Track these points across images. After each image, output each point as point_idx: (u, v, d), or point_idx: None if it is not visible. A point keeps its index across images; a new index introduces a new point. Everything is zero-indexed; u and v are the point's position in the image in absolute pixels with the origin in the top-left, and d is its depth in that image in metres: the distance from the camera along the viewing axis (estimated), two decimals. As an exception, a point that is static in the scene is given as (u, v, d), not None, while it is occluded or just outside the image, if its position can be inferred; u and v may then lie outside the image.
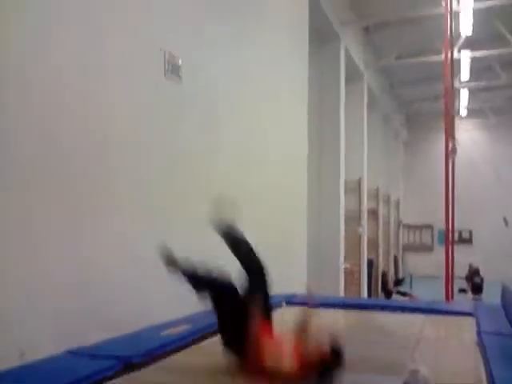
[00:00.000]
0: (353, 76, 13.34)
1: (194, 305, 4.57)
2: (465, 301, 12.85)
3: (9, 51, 3.24)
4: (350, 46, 12.48)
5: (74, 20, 3.78)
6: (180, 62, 4.95)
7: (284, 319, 4.77)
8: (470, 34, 12.91)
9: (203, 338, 3.92)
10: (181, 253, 4.86)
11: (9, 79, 3.25)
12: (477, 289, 15.44)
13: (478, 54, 14.36)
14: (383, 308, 5.33)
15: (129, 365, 3.09)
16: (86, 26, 3.89)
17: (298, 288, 6.66)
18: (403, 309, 5.23)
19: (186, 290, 3.62)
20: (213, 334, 4.02)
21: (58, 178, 3.61)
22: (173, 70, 4.86)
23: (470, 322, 4.50)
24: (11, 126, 3.25)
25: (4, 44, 3.21)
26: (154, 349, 3.39)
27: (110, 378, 2.91)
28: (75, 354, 3.20)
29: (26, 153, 3.34)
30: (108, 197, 4.07)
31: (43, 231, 3.47)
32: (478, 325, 4.24)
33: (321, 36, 11.04)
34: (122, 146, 4.26)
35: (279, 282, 6.51)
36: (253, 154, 6.56)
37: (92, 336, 3.47)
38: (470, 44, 13.91)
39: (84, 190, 3.83)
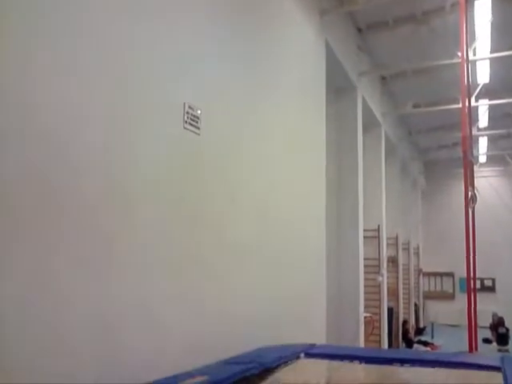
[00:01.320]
0: (370, 124, 13.43)
1: (209, 356, 4.55)
2: (490, 352, 12.44)
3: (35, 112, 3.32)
4: (367, 95, 12.61)
5: (102, 71, 3.87)
6: (199, 112, 5.02)
7: (302, 371, 4.67)
8: (487, 81, 13.02)
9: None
10: (203, 301, 4.87)
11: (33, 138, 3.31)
12: (502, 339, 14.97)
13: (496, 101, 14.43)
14: (405, 361, 5.15)
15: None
16: (112, 77, 3.99)
17: (317, 339, 6.55)
18: (424, 361, 5.04)
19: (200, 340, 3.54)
20: (230, 386, 3.93)
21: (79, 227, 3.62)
22: (192, 120, 4.93)
23: (497, 377, 4.33)
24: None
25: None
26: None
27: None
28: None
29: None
30: (125, 252, 4.06)
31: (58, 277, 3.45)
32: (506, 380, 4.07)
33: (338, 86, 11.19)
34: (142, 198, 4.28)
35: (298, 333, 6.46)
36: (272, 209, 6.55)
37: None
38: (487, 92, 13.99)
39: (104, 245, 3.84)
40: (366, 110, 12.51)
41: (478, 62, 12.45)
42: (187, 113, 4.86)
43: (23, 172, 3.13)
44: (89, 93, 3.72)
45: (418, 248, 21.37)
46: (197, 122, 4.99)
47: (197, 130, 4.99)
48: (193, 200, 4.95)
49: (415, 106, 15.27)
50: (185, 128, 4.82)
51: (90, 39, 3.75)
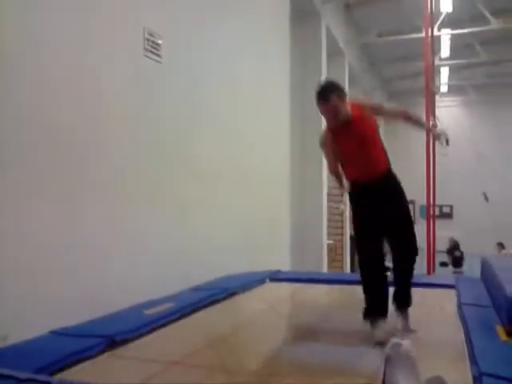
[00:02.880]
0: (334, 53, 13.26)
1: (177, 283, 4.64)
2: (446, 274, 13.06)
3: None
4: (331, 23, 12.40)
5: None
6: (160, 41, 4.88)
7: (268, 294, 4.83)
8: (450, 10, 12.94)
9: (186, 315, 3.93)
10: (172, 234, 4.91)
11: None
12: (457, 262, 15.68)
13: (459, 31, 14.38)
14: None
15: (113, 343, 3.10)
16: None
17: (282, 266, 6.73)
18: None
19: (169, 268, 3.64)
20: (195, 311, 4.06)
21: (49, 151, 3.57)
22: (152, 48, 4.79)
23: (451, 295, 4.58)
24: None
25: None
26: (138, 327, 3.40)
27: (95, 357, 2.91)
28: (59, 334, 3.19)
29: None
30: (95, 174, 4.04)
31: (35, 208, 3.43)
32: (459, 297, 4.31)
33: (302, 14, 10.94)
34: (110, 124, 4.23)
35: (263, 259, 6.62)
36: (236, 134, 6.52)
37: (77, 316, 3.46)
38: (450, 22, 13.92)
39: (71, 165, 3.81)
40: (330, 38, 12.33)
41: (441, -10, 12.33)
42: (147, 39, 4.72)
43: None
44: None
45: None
46: (158, 50, 4.87)
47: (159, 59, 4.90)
48: (161, 126, 4.93)
49: (379, 35, 15.12)
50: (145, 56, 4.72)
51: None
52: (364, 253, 3.54)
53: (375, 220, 3.43)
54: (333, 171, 3.68)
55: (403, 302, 3.65)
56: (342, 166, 3.61)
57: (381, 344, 3.03)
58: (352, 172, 3.54)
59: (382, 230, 3.48)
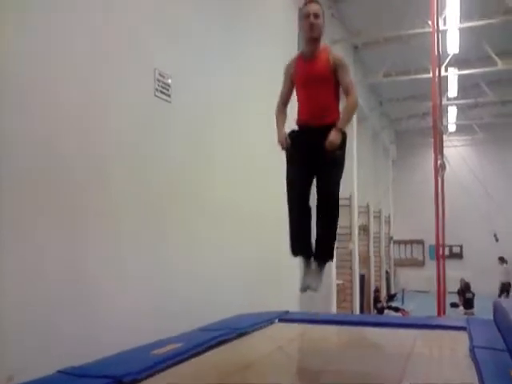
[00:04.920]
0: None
1: (184, 323, 4.60)
2: (457, 315, 12.85)
3: (9, 63, 3.26)
4: (339, 63, 12.57)
5: (74, 31, 3.82)
6: (170, 80, 4.98)
7: (277, 335, 4.77)
8: (456, 51, 13.14)
9: (194, 356, 3.88)
10: (175, 272, 4.91)
11: (9, 91, 3.26)
12: (468, 303, 15.46)
13: (465, 72, 14.58)
14: (375, 324, 5.31)
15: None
16: (86, 38, 3.94)
17: (290, 307, 6.66)
18: (395, 325, 5.20)
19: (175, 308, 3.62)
20: (203, 352, 4.01)
21: (54, 193, 3.60)
22: (163, 88, 4.89)
23: (462, 337, 4.50)
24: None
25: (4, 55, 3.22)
26: (145, 368, 3.36)
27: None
28: (66, 373, 3.15)
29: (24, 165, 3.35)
30: (98, 211, 4.06)
31: (38, 247, 3.45)
32: (471, 339, 4.23)
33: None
34: (118, 161, 4.28)
35: (272, 301, 6.56)
36: (244, 173, 6.57)
37: (83, 357, 3.43)
38: (457, 63, 14.13)
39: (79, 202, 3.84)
40: (338, 79, 12.50)
41: (448, 32, 12.52)
42: (158, 80, 4.82)
43: None
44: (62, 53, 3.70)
45: (388, 216, 21.72)
46: (168, 90, 4.96)
47: (168, 98, 4.98)
48: (168, 166, 4.98)
49: (386, 75, 15.35)
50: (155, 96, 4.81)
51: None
52: (291, 188, 3.68)
53: (307, 162, 3.54)
54: (281, 104, 3.79)
55: (320, 253, 3.70)
56: (298, 102, 3.71)
57: (304, 290, 3.39)
58: (303, 112, 3.63)
59: (311, 173, 3.58)
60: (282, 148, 3.65)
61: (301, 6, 3.63)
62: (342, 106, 3.68)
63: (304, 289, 3.53)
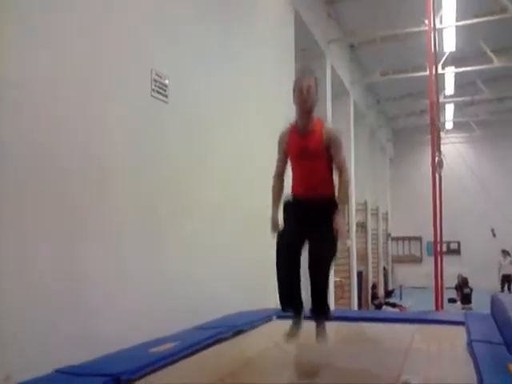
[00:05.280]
0: (339, 93, 13.45)
1: (182, 323, 4.61)
2: (455, 311, 12.89)
3: (5, 64, 3.26)
4: (336, 63, 12.62)
5: (73, 30, 3.83)
6: (167, 81, 4.97)
7: (275, 332, 4.77)
8: (453, 49, 13.17)
9: (192, 353, 3.89)
10: (174, 272, 4.91)
11: (5, 92, 3.26)
12: (466, 299, 15.51)
13: (462, 69, 14.62)
14: (373, 320, 5.32)
15: (118, 382, 3.06)
16: (85, 38, 3.94)
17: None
18: (393, 320, 5.22)
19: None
20: (201, 350, 4.01)
21: (52, 194, 3.60)
22: (159, 89, 4.88)
23: (460, 331, 4.51)
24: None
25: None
26: (143, 366, 3.36)
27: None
28: (64, 373, 3.15)
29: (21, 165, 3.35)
30: (96, 213, 4.06)
31: (30, 246, 3.44)
32: (469, 334, 4.24)
33: (307, 54, 11.15)
34: (115, 160, 4.28)
35: (269, 298, 6.55)
36: (239, 168, 6.57)
37: (81, 356, 3.43)
38: (453, 61, 14.17)
39: (77, 204, 3.84)
40: (335, 78, 12.53)
41: (444, 30, 12.55)
42: (155, 80, 4.81)
43: None
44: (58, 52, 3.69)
45: (386, 213, 21.76)
46: (165, 90, 4.96)
47: (165, 99, 4.98)
48: (165, 166, 4.98)
49: (383, 73, 15.36)
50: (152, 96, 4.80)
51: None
52: (284, 251, 3.68)
53: (301, 228, 3.56)
54: (277, 177, 3.82)
55: (318, 313, 3.74)
56: (292, 173, 3.74)
57: (288, 339, 3.53)
58: (298, 184, 3.66)
59: (304, 238, 3.59)
60: (274, 230, 3.69)
61: (295, 76, 3.69)
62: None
63: (289, 337, 3.65)
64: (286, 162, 3.77)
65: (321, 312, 3.75)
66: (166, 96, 4.98)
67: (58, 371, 3.17)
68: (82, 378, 3.03)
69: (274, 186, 3.82)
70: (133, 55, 4.57)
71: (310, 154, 3.56)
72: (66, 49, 3.78)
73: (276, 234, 3.70)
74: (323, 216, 3.50)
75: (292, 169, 3.73)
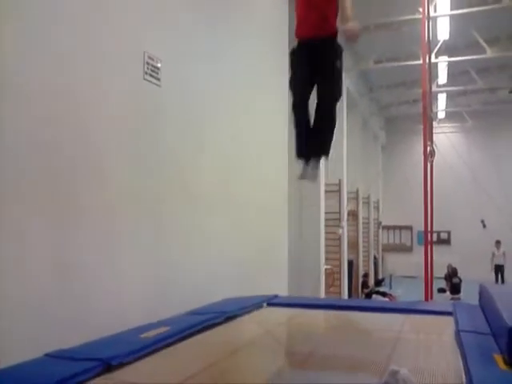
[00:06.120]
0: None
1: (173, 309, 4.62)
2: (444, 300, 13.01)
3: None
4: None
5: (63, 15, 3.78)
6: (159, 64, 4.94)
7: (265, 319, 4.80)
8: (447, 38, 13.15)
9: (183, 339, 3.90)
10: (168, 254, 4.91)
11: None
12: (455, 289, 15.66)
13: (455, 59, 14.60)
14: (363, 309, 5.36)
15: (109, 366, 3.06)
16: (74, 25, 3.89)
17: (279, 291, 6.70)
18: (383, 309, 5.25)
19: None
20: (191, 335, 4.03)
21: (42, 176, 3.58)
22: (152, 72, 4.84)
23: (448, 321, 4.55)
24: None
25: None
26: (134, 351, 3.37)
27: (90, 380, 2.88)
28: (54, 357, 3.15)
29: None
30: (90, 199, 4.05)
31: (22, 231, 3.43)
32: (457, 324, 4.28)
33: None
34: (105, 148, 4.26)
35: (261, 284, 6.60)
36: (234, 154, 6.57)
37: (71, 340, 3.43)
38: (447, 50, 14.15)
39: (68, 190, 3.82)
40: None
41: (438, 19, 12.52)
42: (147, 63, 4.77)
43: None
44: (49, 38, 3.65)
45: (377, 202, 21.82)
46: (157, 74, 4.92)
47: (158, 82, 4.94)
48: (159, 151, 4.96)
49: (376, 61, 15.32)
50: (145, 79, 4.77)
51: None
52: (294, 95, 3.90)
53: (308, 71, 3.78)
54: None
55: (316, 149, 3.97)
56: (296, 13, 3.91)
57: (301, 178, 3.92)
58: (302, 21, 3.80)
59: (312, 79, 3.82)
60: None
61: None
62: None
63: (301, 177, 4.00)
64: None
65: (321, 149, 4.00)
66: (159, 79, 4.94)
67: (48, 355, 3.17)
68: (71, 362, 3.02)
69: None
70: (125, 38, 4.52)
71: None
72: (56, 35, 3.73)
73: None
74: (327, 59, 3.72)
75: (297, 8, 3.85)
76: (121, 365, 3.15)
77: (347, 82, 14.84)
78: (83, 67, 4.00)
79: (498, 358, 3.20)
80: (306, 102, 3.90)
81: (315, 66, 3.73)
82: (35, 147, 3.52)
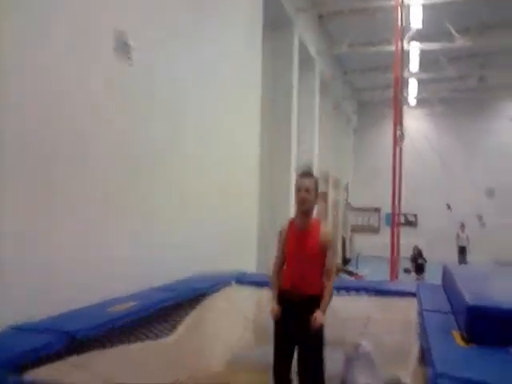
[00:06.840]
0: (306, 62, 13.41)
1: (140, 283, 4.62)
2: (408, 280, 13.30)
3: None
4: (304, 32, 12.55)
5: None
6: (132, 43, 4.83)
7: (233, 296, 4.85)
8: (420, 27, 13.29)
9: (149, 314, 3.92)
10: (130, 235, 4.89)
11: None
12: (420, 269, 16.08)
13: (427, 46, 14.76)
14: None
15: (74, 340, 3.07)
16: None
17: (248, 266, 6.77)
18: (349, 288, 5.32)
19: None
20: (159, 311, 4.05)
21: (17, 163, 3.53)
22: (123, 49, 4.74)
23: (412, 301, 4.67)
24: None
25: None
26: (99, 325, 3.37)
27: (55, 353, 2.88)
28: (19, 329, 3.14)
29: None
30: (67, 184, 4.01)
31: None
32: (420, 303, 4.40)
33: (275, 22, 11.05)
34: (79, 133, 4.19)
35: (230, 261, 6.64)
36: (208, 137, 6.58)
37: (38, 312, 3.42)
38: (419, 38, 14.30)
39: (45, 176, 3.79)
40: (303, 47, 12.48)
41: (411, 8, 12.64)
42: (118, 41, 4.67)
43: None
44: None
45: (347, 184, 22.03)
46: (129, 53, 4.82)
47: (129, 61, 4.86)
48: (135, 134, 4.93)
49: (350, 45, 15.35)
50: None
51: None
52: (275, 362, 3.60)
53: (289, 337, 3.55)
54: (275, 269, 3.74)
55: None
56: (285, 266, 3.71)
57: None
58: (288, 278, 3.64)
59: (293, 348, 3.57)
60: (273, 318, 3.61)
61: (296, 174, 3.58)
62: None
63: None
64: (283, 260, 3.72)
65: None
66: (131, 59, 4.84)
67: (14, 328, 3.15)
68: (37, 335, 3.02)
69: (272, 282, 3.75)
70: (95, 15, 4.42)
71: (305, 255, 3.57)
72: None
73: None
74: (308, 319, 3.44)
75: (286, 263, 3.71)
76: (86, 338, 3.16)
77: (320, 65, 14.87)
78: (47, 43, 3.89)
79: (456, 335, 3.32)
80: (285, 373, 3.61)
81: (297, 328, 3.50)
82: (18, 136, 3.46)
